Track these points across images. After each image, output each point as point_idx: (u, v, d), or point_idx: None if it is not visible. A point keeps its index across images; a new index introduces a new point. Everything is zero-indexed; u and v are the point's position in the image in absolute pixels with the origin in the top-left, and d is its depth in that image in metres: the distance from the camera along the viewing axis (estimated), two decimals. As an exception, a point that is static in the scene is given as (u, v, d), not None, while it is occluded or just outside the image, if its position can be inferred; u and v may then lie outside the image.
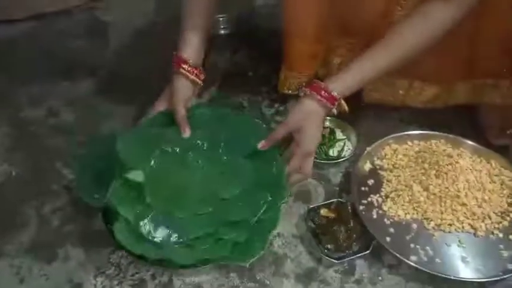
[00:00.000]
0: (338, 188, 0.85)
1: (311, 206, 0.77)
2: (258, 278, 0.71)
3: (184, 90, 0.83)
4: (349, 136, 0.91)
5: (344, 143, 0.90)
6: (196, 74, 0.83)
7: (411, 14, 0.74)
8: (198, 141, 0.77)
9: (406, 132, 0.89)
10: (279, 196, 0.73)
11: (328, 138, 0.90)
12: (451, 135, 0.88)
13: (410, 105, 0.96)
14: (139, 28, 1.28)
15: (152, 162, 0.73)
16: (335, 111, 0.76)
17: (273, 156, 0.77)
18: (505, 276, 0.68)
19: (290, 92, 0.96)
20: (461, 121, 0.95)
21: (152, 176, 0.71)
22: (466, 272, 0.69)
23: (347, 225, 0.74)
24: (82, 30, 1.30)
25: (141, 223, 0.68)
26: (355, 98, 0.99)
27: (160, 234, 0.68)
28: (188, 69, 0.83)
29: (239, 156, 0.77)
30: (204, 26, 0.84)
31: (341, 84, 0.74)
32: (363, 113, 0.99)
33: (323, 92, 0.73)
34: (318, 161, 0.86)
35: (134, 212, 0.68)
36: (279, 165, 0.76)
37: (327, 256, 0.70)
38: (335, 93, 0.74)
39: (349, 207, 0.76)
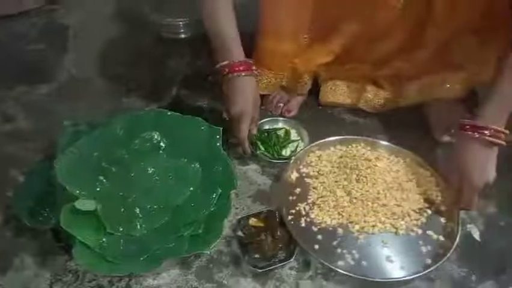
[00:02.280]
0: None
1: (240, 217, 0.78)
2: (215, 278, 0.73)
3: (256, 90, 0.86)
4: (303, 137, 0.94)
5: (297, 144, 0.92)
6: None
7: None
8: (140, 149, 0.77)
9: (328, 139, 0.91)
10: (229, 186, 0.76)
11: (283, 139, 0.92)
12: (369, 138, 0.91)
13: (364, 109, 1.01)
14: (98, 31, 1.27)
15: (99, 188, 0.72)
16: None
17: (215, 153, 0.79)
18: (424, 272, 0.71)
19: None
20: (410, 120, 0.99)
21: (104, 203, 0.70)
22: (391, 271, 0.72)
23: (274, 234, 0.75)
24: (40, 33, 1.28)
25: (104, 248, 0.68)
26: (311, 100, 1.04)
27: (124, 255, 0.69)
28: (256, 69, 0.85)
29: (182, 158, 0.77)
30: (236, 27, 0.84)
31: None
32: (318, 116, 1.02)
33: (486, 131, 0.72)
34: (270, 160, 0.89)
35: (94, 238, 0.69)
36: (222, 162, 0.78)
37: (252, 266, 0.71)
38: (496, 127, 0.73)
39: (277, 216, 0.77)
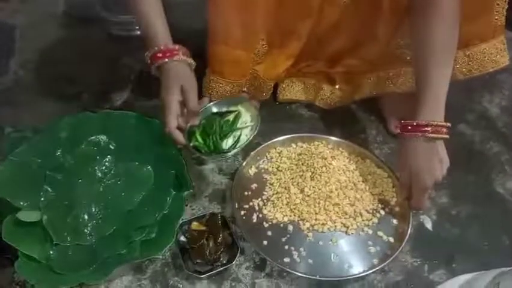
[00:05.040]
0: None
1: (182, 221, 0.75)
2: (170, 282, 0.72)
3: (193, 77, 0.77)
4: (254, 125, 0.78)
5: (240, 134, 0.77)
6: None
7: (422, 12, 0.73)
8: (87, 153, 0.74)
9: (291, 135, 0.90)
10: (183, 188, 0.75)
11: (229, 125, 0.78)
12: (332, 138, 0.90)
13: (320, 106, 1.01)
14: (47, 31, 1.21)
15: (43, 197, 0.69)
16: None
17: (168, 155, 0.76)
18: (368, 272, 0.71)
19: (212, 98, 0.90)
20: (366, 112, 1.01)
21: (49, 213, 0.67)
22: (335, 270, 0.72)
23: (217, 238, 0.74)
24: (-16, 34, 1.22)
25: (51, 260, 0.66)
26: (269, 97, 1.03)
27: (72, 266, 0.66)
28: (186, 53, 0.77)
29: (133, 161, 0.75)
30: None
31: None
32: (276, 112, 1.02)
33: (427, 128, 0.71)
34: (206, 156, 0.76)
35: (41, 250, 0.66)
36: (176, 163, 0.76)
37: (193, 271, 0.71)
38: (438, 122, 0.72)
39: (219, 219, 0.76)
